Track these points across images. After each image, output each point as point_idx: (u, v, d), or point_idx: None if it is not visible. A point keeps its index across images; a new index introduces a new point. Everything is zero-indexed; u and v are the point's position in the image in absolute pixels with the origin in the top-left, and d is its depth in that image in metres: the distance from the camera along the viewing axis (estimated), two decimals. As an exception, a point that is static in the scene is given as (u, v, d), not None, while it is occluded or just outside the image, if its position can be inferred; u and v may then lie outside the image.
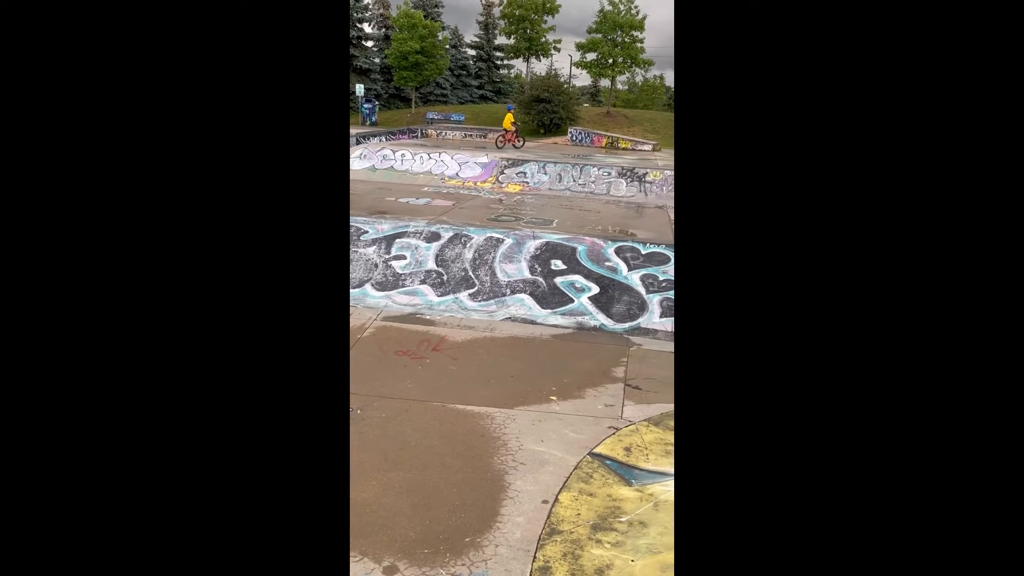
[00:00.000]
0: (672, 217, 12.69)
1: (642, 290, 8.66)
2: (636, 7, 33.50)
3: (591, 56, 34.99)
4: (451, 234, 9.53)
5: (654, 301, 8.52)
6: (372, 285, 8.83)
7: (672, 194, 14.98)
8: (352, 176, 13.32)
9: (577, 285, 8.73)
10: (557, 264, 9.01)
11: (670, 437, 5.36)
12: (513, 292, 8.72)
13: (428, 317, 8.18)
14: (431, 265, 9.14)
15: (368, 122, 31.88)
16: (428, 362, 6.78)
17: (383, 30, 41.32)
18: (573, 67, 39.10)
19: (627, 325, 8.19)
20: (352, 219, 9.64)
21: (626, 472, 4.72)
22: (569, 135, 28.82)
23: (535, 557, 3.69)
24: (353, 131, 20.65)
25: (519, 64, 46.72)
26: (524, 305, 8.52)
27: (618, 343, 7.74)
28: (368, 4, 41.64)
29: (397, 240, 9.43)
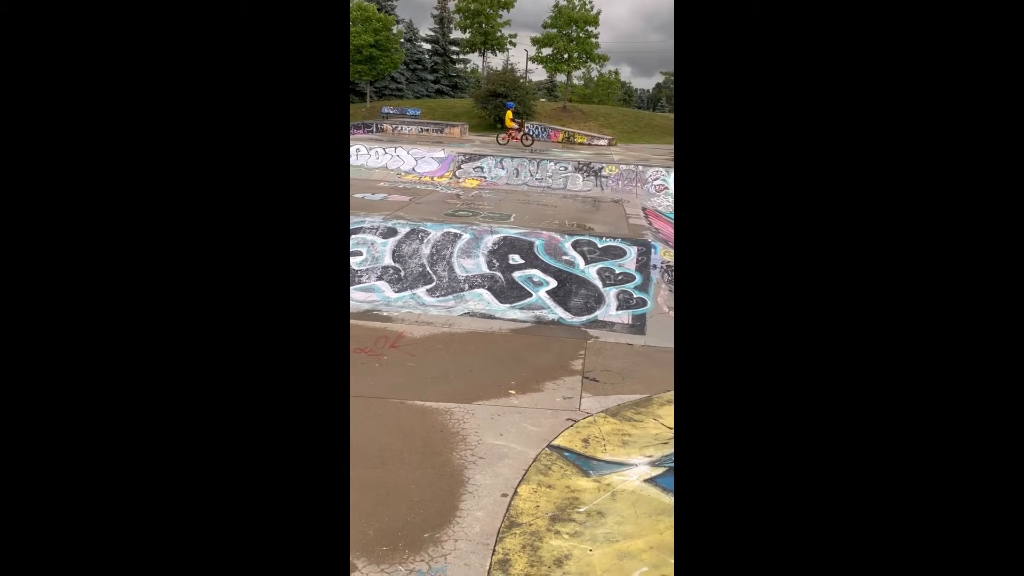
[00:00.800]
0: (627, 211, 12.86)
1: (599, 283, 8.76)
2: (591, 3, 33.74)
3: (547, 51, 35.13)
4: (408, 229, 9.46)
5: (610, 294, 8.62)
6: (328, 282, 8.70)
7: (627, 188, 15.17)
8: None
9: (535, 279, 8.77)
10: (515, 259, 9.03)
11: (627, 428, 5.45)
12: (471, 287, 8.71)
13: (385, 314, 8.11)
14: (388, 261, 9.05)
15: (322, 117, 31.26)
16: (386, 359, 6.72)
17: (336, 23, 40.57)
18: (529, 62, 39.18)
19: (584, 318, 8.27)
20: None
21: (584, 463, 4.78)
22: (526, 129, 28.86)
23: (494, 550, 3.71)
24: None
25: (475, 59, 46.59)
26: (482, 300, 8.52)
27: (576, 336, 7.81)
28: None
29: (353, 236, 9.31)
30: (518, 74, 36.02)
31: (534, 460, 4.77)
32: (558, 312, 8.34)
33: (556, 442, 5.09)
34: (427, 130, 26.96)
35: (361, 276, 8.80)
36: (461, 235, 9.37)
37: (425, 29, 48.79)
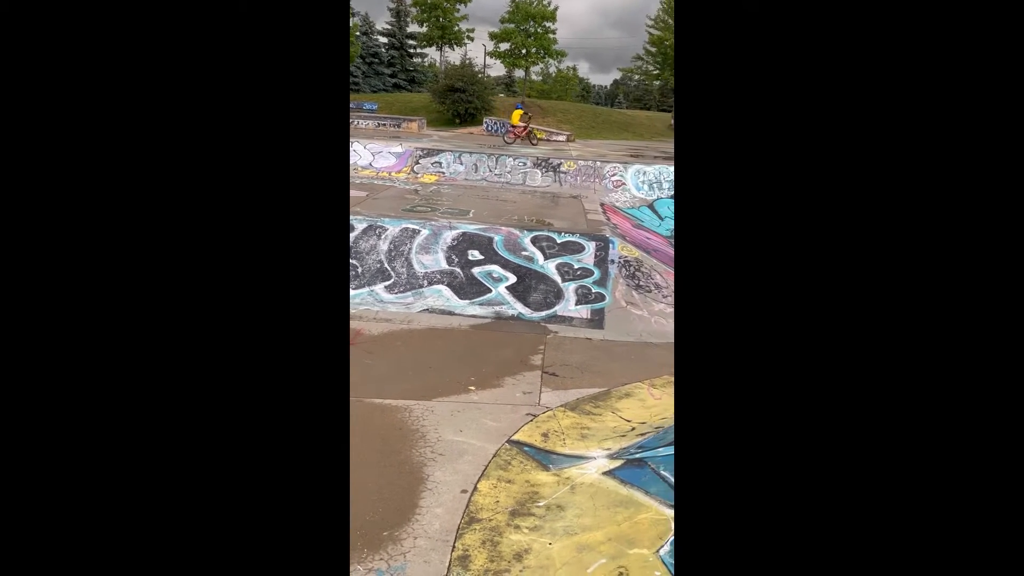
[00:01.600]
0: (586, 207, 12.95)
1: (558, 278, 8.81)
2: (548, -2, 33.82)
3: (504, 46, 35.12)
4: (365, 225, 9.35)
5: (569, 289, 8.68)
6: (283, 279, 8.54)
7: (586, 184, 15.28)
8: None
9: (494, 275, 8.77)
10: (474, 254, 9.01)
11: (586, 421, 5.50)
12: (430, 283, 8.65)
13: (343, 311, 8.00)
14: (345, 257, 8.92)
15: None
16: (343, 357, 6.63)
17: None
18: (487, 57, 39.07)
19: (544, 313, 8.31)
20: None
21: (544, 457, 4.81)
22: (484, 125, 28.80)
23: (454, 547, 3.70)
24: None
25: (433, 53, 46.23)
26: (442, 296, 8.48)
27: (535, 331, 7.85)
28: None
29: (308, 232, 9.15)
30: (476, 69, 35.87)
31: (494, 456, 4.78)
32: (518, 307, 8.36)
33: (516, 437, 5.11)
34: (384, 125, 26.64)
35: (317, 273, 8.66)
36: (419, 231, 9.29)
37: (381, 22, 48.24)
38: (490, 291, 8.56)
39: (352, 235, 9.19)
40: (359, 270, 8.76)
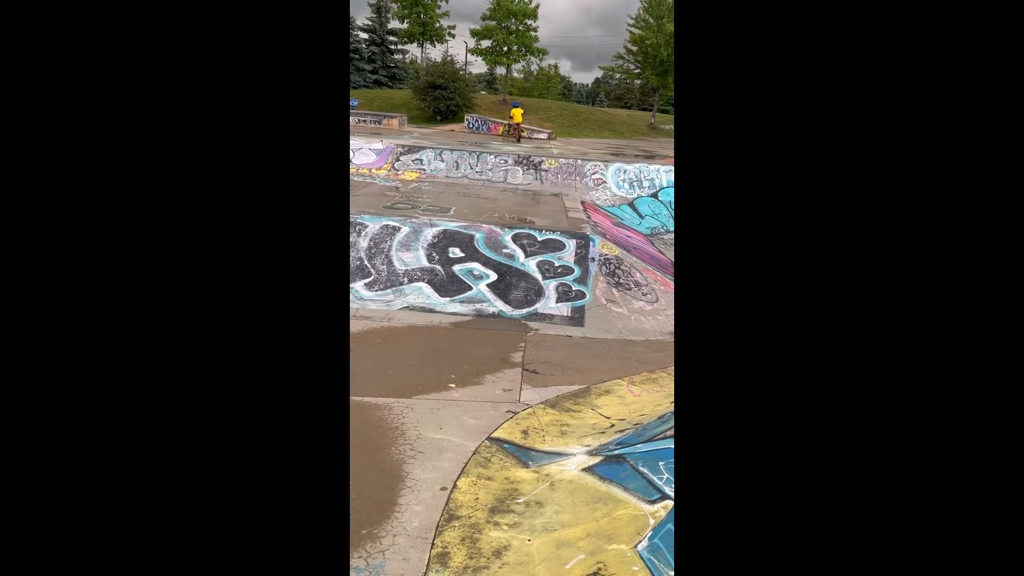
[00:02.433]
0: (567, 204, 12.99)
1: (539, 276, 8.83)
2: (529, -5, 33.83)
3: (486, 43, 35.04)
4: (345, 223, 9.28)
5: (550, 287, 8.71)
6: (261, 277, 8.46)
7: (567, 182, 15.33)
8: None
9: (475, 272, 8.76)
10: (455, 252, 9.00)
11: (566, 418, 5.52)
12: (411, 281, 8.63)
13: (322, 308, 7.95)
14: (324, 255, 8.86)
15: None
16: (322, 354, 6.60)
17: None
18: (469, 54, 38.99)
19: (524, 311, 8.33)
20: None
21: (523, 454, 4.82)
22: (466, 122, 28.75)
23: (433, 544, 3.71)
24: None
25: (414, 49, 46.02)
26: (422, 294, 8.46)
27: (516, 329, 7.86)
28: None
29: (287, 229, 9.08)
30: (457, 66, 35.77)
31: (474, 453, 4.78)
32: (498, 305, 8.37)
33: (496, 434, 5.12)
34: (365, 121, 26.47)
35: (296, 270, 8.60)
36: (400, 228, 9.26)
37: (362, 18, 47.97)
38: (471, 289, 8.55)
39: (350, 233, 9.12)
40: (339, 267, 8.71)
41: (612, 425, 5.36)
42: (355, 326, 7.49)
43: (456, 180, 15.13)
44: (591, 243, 9.46)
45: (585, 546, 3.67)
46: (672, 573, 3.32)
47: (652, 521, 3.80)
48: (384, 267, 8.76)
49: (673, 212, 13.56)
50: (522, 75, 56.55)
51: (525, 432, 5.19)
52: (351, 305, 8.12)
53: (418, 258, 8.90)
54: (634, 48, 35.76)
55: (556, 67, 63.71)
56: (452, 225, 9.44)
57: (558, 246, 9.29)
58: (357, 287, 8.48)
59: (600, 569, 3.46)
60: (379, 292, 8.44)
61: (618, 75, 42.04)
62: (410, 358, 6.73)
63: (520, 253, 9.10)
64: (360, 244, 9.00)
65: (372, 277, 8.63)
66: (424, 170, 15.52)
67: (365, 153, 15.93)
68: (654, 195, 14.60)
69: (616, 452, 4.71)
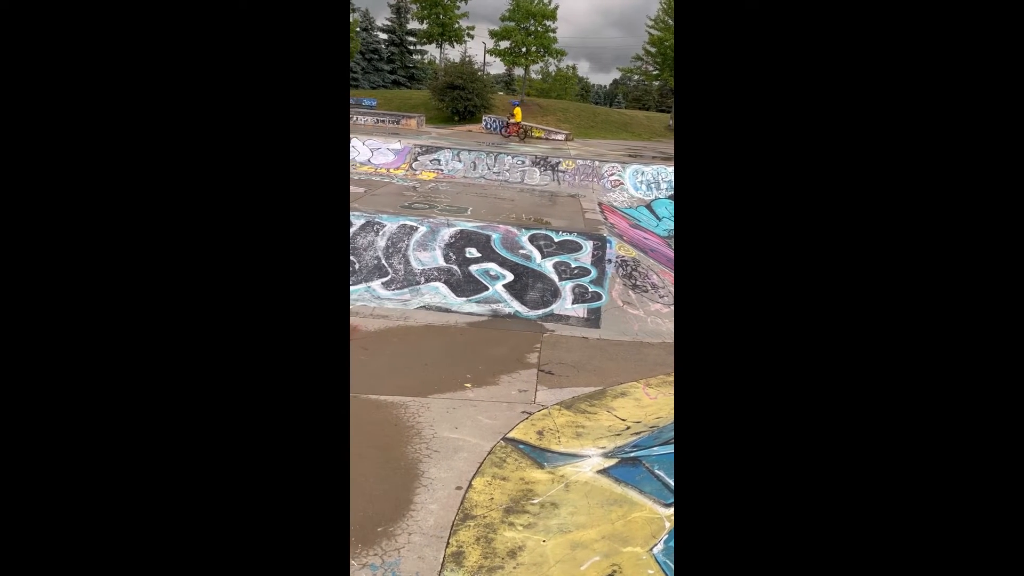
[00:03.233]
0: (584, 206, 12.96)
1: (555, 277, 8.82)
2: (548, -4, 33.81)
3: (505, 44, 35.08)
4: (363, 221, 9.34)
5: (566, 288, 8.69)
6: (280, 274, 8.53)
7: (584, 183, 15.29)
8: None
9: (491, 273, 8.77)
10: (472, 252, 9.01)
11: (581, 420, 5.51)
12: (427, 280, 8.66)
13: (339, 307, 8.00)
14: (342, 253, 8.92)
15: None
16: (340, 352, 6.63)
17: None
18: (487, 55, 39.04)
19: (540, 312, 8.32)
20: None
21: (538, 455, 4.82)
22: (483, 123, 28.77)
23: (448, 543, 3.71)
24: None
25: (432, 50, 46.17)
26: (439, 293, 8.48)
27: (531, 329, 7.86)
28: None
29: (306, 228, 9.14)
30: (476, 66, 35.84)
31: (489, 453, 4.79)
32: (514, 306, 8.37)
33: (511, 435, 5.12)
34: (383, 121, 26.60)
35: (314, 268, 8.66)
36: (417, 228, 9.29)
37: (382, 19, 48.09)
38: (487, 289, 8.57)
39: (350, 231, 9.18)
40: (356, 266, 8.76)
41: (628, 427, 5.34)
42: (372, 325, 7.53)
43: (473, 180, 15.16)
44: (608, 245, 9.44)
45: (600, 548, 3.66)
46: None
47: (668, 524, 3.78)
48: (401, 266, 8.80)
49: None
50: (540, 76, 56.52)
51: (540, 433, 5.19)
52: (369, 304, 8.16)
53: (435, 258, 8.93)
54: (653, 49, 35.61)
55: (574, 68, 63.70)
56: (469, 225, 9.46)
57: (575, 247, 9.28)
58: (374, 286, 8.53)
59: (615, 571, 3.45)
60: (396, 291, 8.48)
61: (636, 76, 41.90)
62: (426, 357, 6.75)
63: (537, 254, 9.09)
64: (378, 243, 9.05)
65: (389, 276, 8.67)
66: (442, 170, 15.57)
67: (384, 153, 16.01)
68: (672, 197, 14.53)
69: (632, 455, 4.69)
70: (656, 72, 36.85)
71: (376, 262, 8.83)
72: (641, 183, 15.00)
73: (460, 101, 31.07)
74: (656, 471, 4.30)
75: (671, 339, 8.19)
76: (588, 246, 9.33)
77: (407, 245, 9.05)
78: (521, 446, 4.94)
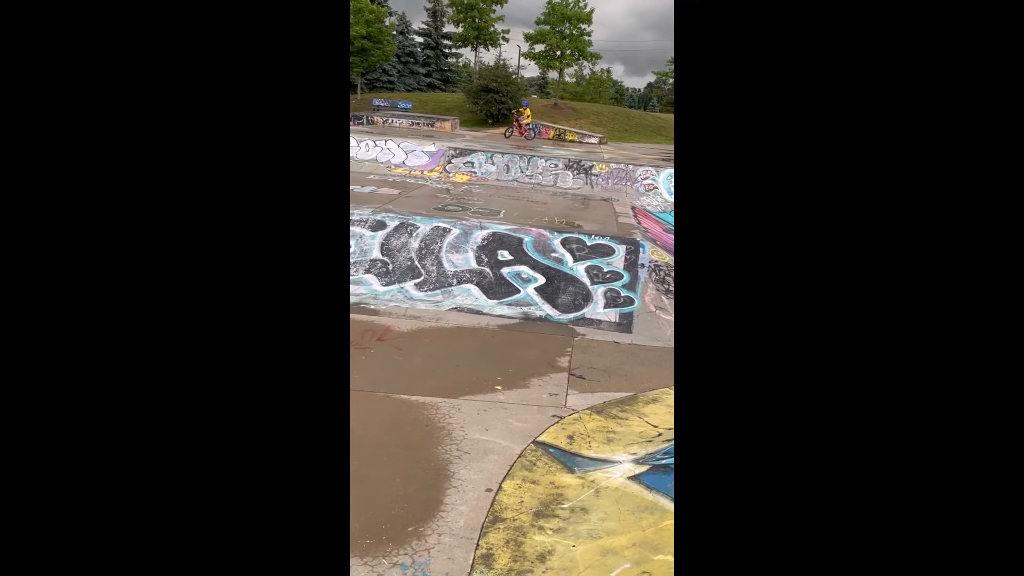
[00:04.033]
0: (617, 210, 12.89)
1: (587, 281, 8.78)
2: (584, 0, 33.73)
3: (539, 47, 35.08)
4: (397, 223, 9.43)
5: (598, 292, 8.65)
6: (315, 274, 8.66)
7: (617, 187, 15.21)
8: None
9: (523, 276, 8.78)
10: (504, 255, 9.03)
11: (612, 425, 5.47)
12: (460, 282, 8.70)
13: (373, 307, 8.09)
14: (376, 254, 9.02)
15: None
16: (372, 352, 6.71)
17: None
18: (521, 58, 39.10)
19: (572, 315, 8.29)
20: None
21: (569, 460, 4.80)
22: (505, 132, 28.80)
23: (478, 545, 3.72)
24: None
25: (467, 53, 46.46)
26: (471, 295, 8.52)
27: (563, 333, 7.83)
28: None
29: (341, 229, 9.26)
30: (510, 70, 35.95)
31: (519, 456, 4.78)
32: (546, 309, 8.36)
33: (541, 438, 5.11)
34: (418, 123, 26.84)
35: (349, 269, 8.76)
36: (450, 230, 9.35)
37: (418, 22, 48.74)
38: (519, 292, 8.57)
39: (384, 232, 9.28)
40: (390, 267, 8.85)
41: (660, 434, 5.29)
42: (404, 325, 7.59)
43: (506, 183, 15.19)
44: (641, 249, 9.36)
45: (631, 555, 3.62)
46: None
47: (700, 534, 3.73)
48: (434, 268, 8.86)
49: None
50: (574, 79, 56.41)
51: (571, 437, 5.17)
52: (402, 305, 8.24)
53: (467, 260, 8.97)
54: (689, 53, 35.20)
55: (608, 71, 63.35)
56: (501, 228, 9.48)
57: (607, 251, 9.23)
58: (407, 287, 8.60)
59: (645, 579, 3.41)
60: (429, 292, 8.54)
61: (671, 80, 41.49)
62: (457, 359, 6.78)
63: (569, 257, 9.07)
64: (411, 245, 9.12)
65: (422, 277, 8.74)
66: (475, 173, 15.64)
67: (418, 155, 16.15)
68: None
69: (664, 462, 4.64)
70: (692, 75, 36.40)
71: (409, 263, 8.91)
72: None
73: (494, 104, 31.19)
74: (688, 479, 4.24)
75: (704, 346, 8.07)
76: (621, 250, 9.28)
77: (440, 247, 9.11)
78: (551, 450, 4.93)
